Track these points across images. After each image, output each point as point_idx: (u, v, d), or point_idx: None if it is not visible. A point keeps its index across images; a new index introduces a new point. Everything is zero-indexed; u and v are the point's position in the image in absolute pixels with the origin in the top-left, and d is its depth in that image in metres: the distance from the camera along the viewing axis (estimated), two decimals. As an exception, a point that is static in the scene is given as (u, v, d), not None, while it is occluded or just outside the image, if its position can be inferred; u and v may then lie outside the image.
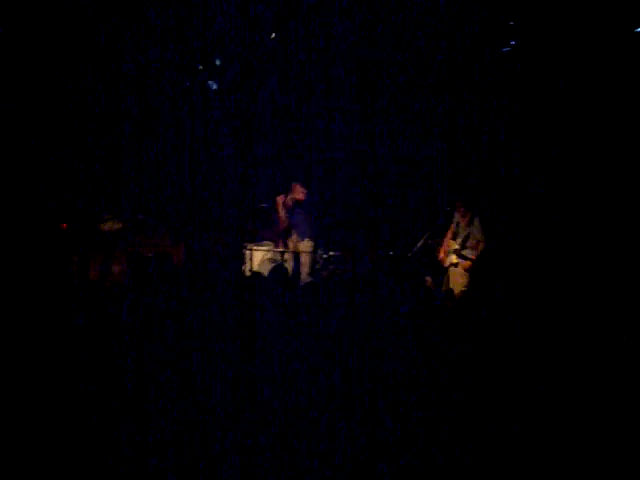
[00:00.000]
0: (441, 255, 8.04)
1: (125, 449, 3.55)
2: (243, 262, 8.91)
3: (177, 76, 9.62)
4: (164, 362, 4.12)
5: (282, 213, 8.76)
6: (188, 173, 9.84)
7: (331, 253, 8.97)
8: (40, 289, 5.52)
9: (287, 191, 8.78)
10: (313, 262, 8.82)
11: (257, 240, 9.20)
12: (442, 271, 8.02)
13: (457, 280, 7.75)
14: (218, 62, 9.75)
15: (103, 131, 9.34)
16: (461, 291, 7.50)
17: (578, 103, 8.49)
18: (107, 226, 8.54)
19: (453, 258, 7.87)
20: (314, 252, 8.86)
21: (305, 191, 8.74)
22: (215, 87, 9.79)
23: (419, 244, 8.17)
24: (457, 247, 7.86)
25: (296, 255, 8.87)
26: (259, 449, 3.56)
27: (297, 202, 8.77)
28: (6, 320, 4.54)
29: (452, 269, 7.87)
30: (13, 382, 3.88)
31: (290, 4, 9.08)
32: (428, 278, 7.83)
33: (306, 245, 8.77)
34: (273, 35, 9.45)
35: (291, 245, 8.82)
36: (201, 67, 9.71)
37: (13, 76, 8.67)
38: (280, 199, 8.76)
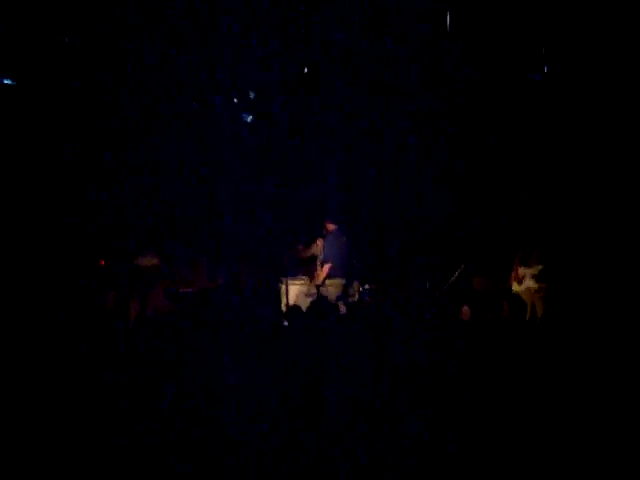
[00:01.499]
0: (513, 281, 8.19)
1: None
2: (279, 297, 8.92)
3: (215, 112, 9.73)
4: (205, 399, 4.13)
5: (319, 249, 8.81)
6: (225, 209, 9.91)
7: (366, 286, 8.95)
8: (78, 325, 5.58)
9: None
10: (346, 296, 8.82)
11: (292, 275, 9.23)
12: (493, 298, 8.10)
13: (539, 304, 7.99)
14: (252, 95, 9.85)
15: (142, 168, 9.46)
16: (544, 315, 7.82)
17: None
18: (144, 261, 8.60)
19: (531, 283, 8.05)
20: (348, 285, 8.86)
21: (335, 226, 8.74)
22: (250, 119, 9.86)
23: (456, 275, 8.15)
24: (535, 273, 8.01)
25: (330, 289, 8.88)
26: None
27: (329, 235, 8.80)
28: (44, 356, 4.59)
29: (532, 294, 8.01)
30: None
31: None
32: (465, 308, 7.82)
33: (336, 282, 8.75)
34: (306, 70, 9.56)
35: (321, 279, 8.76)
36: (236, 100, 9.81)
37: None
38: (319, 241, 8.80)
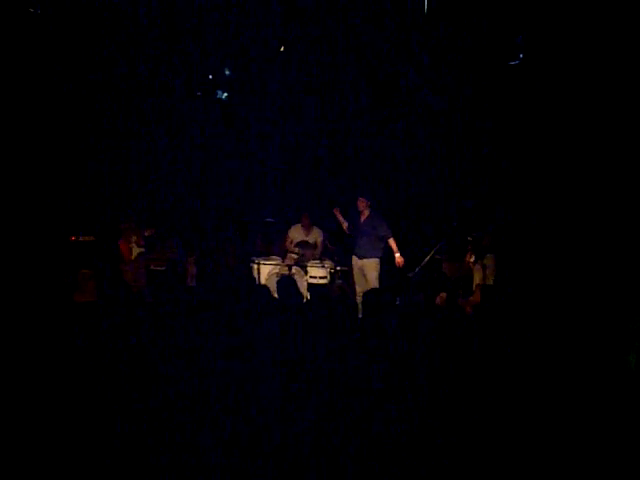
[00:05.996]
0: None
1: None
2: (251, 276, 8.96)
3: (187, 87, 9.66)
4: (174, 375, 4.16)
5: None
6: (197, 187, 9.89)
7: (338, 268, 9.00)
8: (51, 301, 5.58)
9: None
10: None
11: (264, 255, 9.28)
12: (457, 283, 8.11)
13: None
14: (227, 72, 9.80)
15: (114, 145, 9.37)
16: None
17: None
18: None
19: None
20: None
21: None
22: (224, 96, 9.82)
23: (425, 260, 8.19)
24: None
25: (304, 269, 8.93)
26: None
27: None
28: (22, 330, 4.61)
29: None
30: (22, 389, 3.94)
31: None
32: (443, 294, 7.87)
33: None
34: (282, 48, 9.51)
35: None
36: (211, 77, 9.75)
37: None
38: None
